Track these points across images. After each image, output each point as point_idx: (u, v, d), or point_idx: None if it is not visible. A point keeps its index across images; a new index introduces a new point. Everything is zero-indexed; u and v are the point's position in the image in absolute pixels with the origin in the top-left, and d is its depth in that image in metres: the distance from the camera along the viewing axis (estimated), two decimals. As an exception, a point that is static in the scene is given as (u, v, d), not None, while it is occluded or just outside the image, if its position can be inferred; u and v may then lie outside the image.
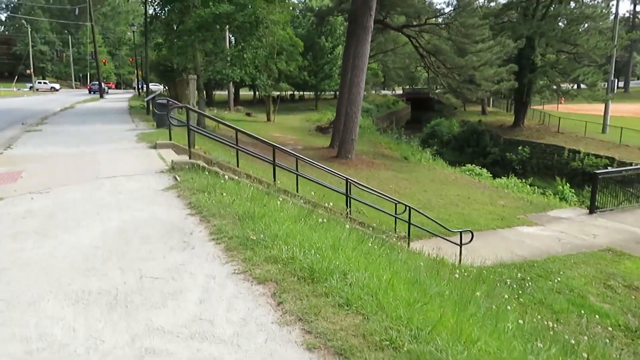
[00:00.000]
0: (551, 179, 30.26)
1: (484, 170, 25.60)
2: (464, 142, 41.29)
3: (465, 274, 8.40)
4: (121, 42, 27.11)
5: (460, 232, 10.05)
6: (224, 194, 5.84)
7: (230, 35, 30.84)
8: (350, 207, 12.42)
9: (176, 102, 12.84)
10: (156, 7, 21.54)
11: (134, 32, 37.45)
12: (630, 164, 27.33)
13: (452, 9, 22.10)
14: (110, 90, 55.36)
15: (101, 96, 37.63)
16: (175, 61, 28.80)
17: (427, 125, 48.88)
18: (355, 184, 9.64)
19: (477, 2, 23.93)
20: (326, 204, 9.89)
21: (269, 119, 39.53)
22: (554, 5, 34.43)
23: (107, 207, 5.57)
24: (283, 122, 39.57)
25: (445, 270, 7.73)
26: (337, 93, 69.05)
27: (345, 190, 11.88)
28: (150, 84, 68.36)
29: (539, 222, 14.21)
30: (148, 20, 21.15)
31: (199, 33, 18.94)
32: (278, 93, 47.55)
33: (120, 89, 75.44)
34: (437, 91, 27.25)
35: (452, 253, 10.23)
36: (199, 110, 8.28)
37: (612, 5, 38.28)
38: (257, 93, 68.70)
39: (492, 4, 34.84)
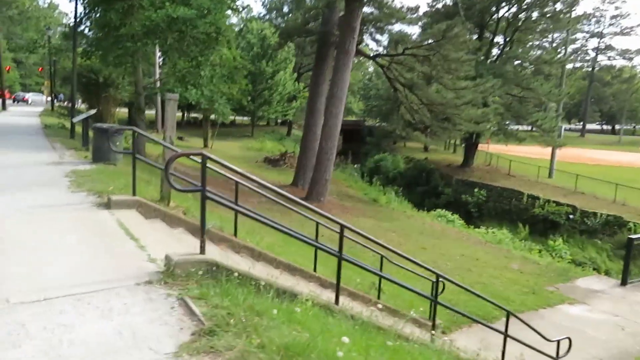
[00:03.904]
0: (509, 223, 28.91)
1: (456, 216, 23.46)
2: (412, 180, 39.51)
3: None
4: (37, 45, 22.32)
5: (558, 341, 7.09)
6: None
7: (160, 52, 26.66)
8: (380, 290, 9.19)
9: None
10: (87, 5, 17.22)
11: (49, 36, 31.96)
12: (595, 213, 26.62)
13: (434, 40, 19.91)
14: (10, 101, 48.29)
15: (3, 108, 31.43)
16: (104, 73, 24.22)
17: (369, 160, 46.80)
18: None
19: (467, 35, 21.97)
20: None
21: (206, 145, 35.35)
22: (509, 47, 33.95)
23: None
24: (222, 149, 35.55)
25: None
26: (270, 121, 66.33)
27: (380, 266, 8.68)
28: (32, 94, 61.07)
29: (578, 298, 11.77)
30: (78, 19, 16.71)
31: (146, 40, 14.99)
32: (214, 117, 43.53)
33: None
34: (403, 128, 25.01)
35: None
36: (219, 160, 4.68)
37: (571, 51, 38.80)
38: (185, 114, 63.61)
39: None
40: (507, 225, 28.25)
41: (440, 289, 7.90)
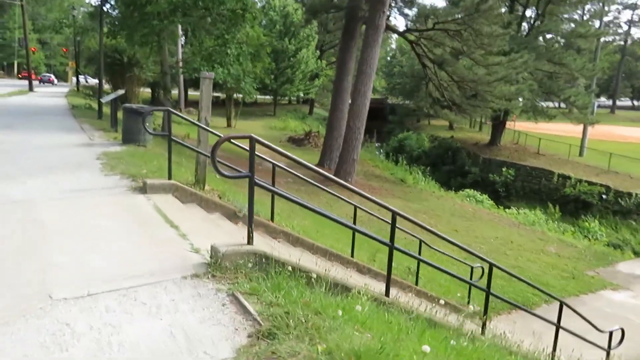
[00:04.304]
0: (538, 203, 28.15)
1: (485, 196, 22.90)
2: (438, 159, 38.83)
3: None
4: (63, 25, 22.19)
5: (611, 332, 6.73)
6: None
7: (183, 31, 26.30)
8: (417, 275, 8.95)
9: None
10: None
11: (74, 16, 31.94)
12: (629, 194, 25.71)
13: (466, 14, 19.08)
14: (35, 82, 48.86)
15: (30, 89, 31.66)
16: (128, 53, 24.06)
17: (393, 138, 46.12)
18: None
19: (501, 8, 20.99)
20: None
21: (229, 125, 35.20)
22: (540, 21, 32.62)
23: None
24: (245, 128, 35.33)
25: None
26: (292, 100, 65.68)
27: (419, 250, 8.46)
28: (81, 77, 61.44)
29: (621, 284, 11.32)
30: (103, -3, 16.47)
31: (173, 17, 14.68)
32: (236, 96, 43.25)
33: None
34: (430, 105, 24.34)
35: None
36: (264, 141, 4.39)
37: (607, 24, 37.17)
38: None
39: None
40: (537, 205, 27.55)
41: (479, 274, 7.62)
